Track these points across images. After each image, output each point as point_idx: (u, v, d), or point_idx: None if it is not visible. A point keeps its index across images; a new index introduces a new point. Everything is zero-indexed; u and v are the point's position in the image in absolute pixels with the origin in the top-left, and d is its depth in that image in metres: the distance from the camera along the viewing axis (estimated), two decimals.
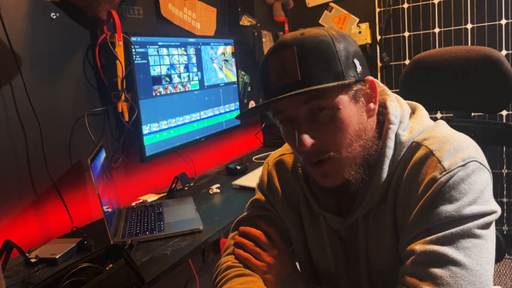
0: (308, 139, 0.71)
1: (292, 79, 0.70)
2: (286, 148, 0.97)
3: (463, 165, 0.68)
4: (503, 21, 2.42)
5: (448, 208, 0.67)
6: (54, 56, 1.44)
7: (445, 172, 0.68)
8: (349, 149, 0.73)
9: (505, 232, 1.17)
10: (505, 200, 1.17)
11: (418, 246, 0.68)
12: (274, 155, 0.98)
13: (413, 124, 0.78)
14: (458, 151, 0.70)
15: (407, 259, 0.70)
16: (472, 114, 1.22)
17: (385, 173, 0.75)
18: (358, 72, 0.73)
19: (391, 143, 0.75)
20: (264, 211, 0.95)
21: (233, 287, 0.84)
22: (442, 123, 0.79)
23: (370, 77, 0.76)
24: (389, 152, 0.75)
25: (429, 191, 0.69)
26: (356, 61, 0.73)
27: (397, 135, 0.76)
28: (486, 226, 0.67)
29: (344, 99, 0.72)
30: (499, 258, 1.15)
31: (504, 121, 2.51)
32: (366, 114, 0.75)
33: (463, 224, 0.66)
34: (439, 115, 2.52)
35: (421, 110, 0.82)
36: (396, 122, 0.76)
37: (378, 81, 0.80)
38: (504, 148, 1.16)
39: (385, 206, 0.76)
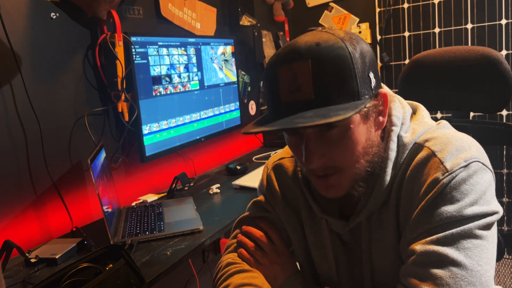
0: (316, 158, 0.69)
1: (305, 96, 0.66)
2: (285, 151, 0.96)
3: (465, 166, 0.68)
4: (503, 21, 2.42)
5: (449, 209, 0.67)
6: (54, 56, 1.44)
7: (447, 173, 0.68)
8: (356, 165, 0.72)
9: (505, 231, 1.17)
10: (505, 200, 1.17)
11: (419, 246, 0.68)
12: (273, 158, 0.97)
13: (415, 125, 0.77)
14: (460, 152, 0.70)
15: (408, 259, 0.70)
16: (472, 114, 1.22)
17: (388, 176, 0.74)
18: (373, 87, 0.70)
19: (393, 146, 0.75)
20: (265, 212, 0.95)
21: (234, 282, 0.84)
22: (444, 124, 0.79)
23: (383, 91, 0.73)
24: (392, 154, 0.74)
25: (431, 192, 0.68)
26: (371, 75, 0.70)
27: (399, 137, 0.75)
28: (487, 226, 0.67)
29: (355, 118, 0.69)
30: (498, 257, 1.15)
31: (504, 121, 2.51)
32: (374, 127, 0.73)
33: (464, 224, 0.66)
34: (439, 115, 2.52)
35: (422, 110, 0.81)
36: (398, 124, 0.76)
37: (387, 89, 0.78)
38: (504, 148, 1.16)
39: (387, 208, 0.76)
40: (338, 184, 0.73)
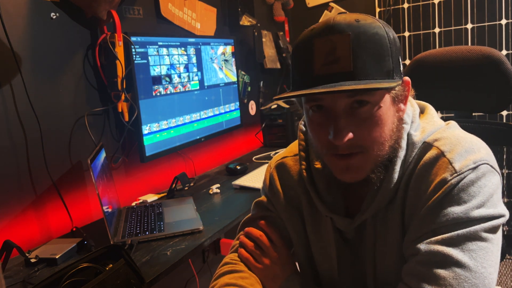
0: (346, 135, 0.67)
1: (342, 68, 0.65)
2: (288, 150, 0.95)
3: (474, 168, 0.68)
4: (503, 21, 2.42)
5: (456, 210, 0.66)
6: (54, 56, 1.44)
7: (456, 174, 0.68)
8: (381, 147, 0.71)
9: (505, 232, 1.17)
10: (505, 200, 1.17)
11: (423, 246, 0.68)
12: (276, 157, 0.97)
13: (424, 124, 0.77)
14: (470, 153, 0.70)
15: (411, 258, 0.70)
16: (473, 114, 1.22)
17: (396, 174, 0.74)
18: (402, 71, 0.71)
19: (403, 143, 0.74)
20: (267, 212, 0.95)
21: (220, 282, 0.85)
22: (453, 124, 0.78)
23: (407, 78, 0.74)
24: (402, 152, 0.74)
25: (438, 192, 0.68)
26: (400, 59, 0.71)
27: (409, 135, 0.75)
28: (493, 229, 0.67)
29: (387, 98, 0.70)
30: (500, 258, 1.15)
31: (504, 121, 2.51)
32: (397, 113, 0.73)
33: (470, 226, 0.66)
34: (439, 115, 2.51)
35: (431, 109, 0.81)
36: (408, 122, 0.76)
37: None
38: (505, 148, 1.16)
39: (393, 206, 0.76)
40: (359, 166, 0.72)
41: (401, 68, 0.72)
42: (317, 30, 0.68)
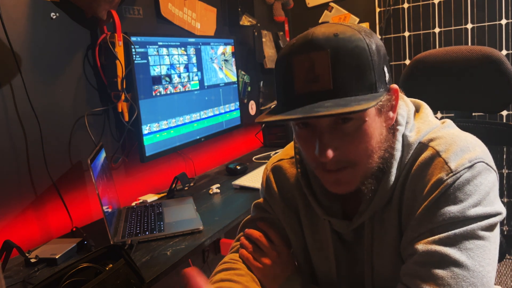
0: (331, 151, 0.67)
1: (322, 87, 0.65)
2: (285, 152, 0.95)
3: (470, 167, 0.68)
4: (503, 21, 2.42)
5: (452, 209, 0.66)
6: (54, 56, 1.44)
7: (451, 174, 0.68)
8: (369, 160, 0.71)
9: (505, 232, 1.17)
10: (505, 200, 1.17)
11: (421, 246, 0.68)
12: (273, 159, 0.96)
13: (419, 124, 0.77)
14: (465, 152, 0.69)
15: (409, 258, 0.70)
16: (473, 114, 1.22)
17: (393, 176, 0.73)
18: (387, 81, 0.70)
19: (398, 145, 0.74)
20: (265, 214, 0.95)
21: (215, 277, 0.86)
22: (449, 123, 0.78)
23: (395, 86, 0.73)
24: (397, 154, 0.74)
25: (434, 192, 0.68)
26: (385, 69, 0.70)
27: (404, 137, 0.75)
28: (490, 227, 0.67)
29: (371, 112, 0.68)
30: (500, 258, 1.15)
31: (504, 121, 2.51)
32: (385, 123, 0.73)
33: (467, 225, 0.66)
34: (439, 115, 2.52)
35: (426, 108, 0.81)
36: (403, 123, 0.75)
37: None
38: (505, 148, 1.16)
39: (390, 207, 0.75)
40: (349, 180, 0.72)
41: (387, 77, 0.70)
42: (297, 46, 0.67)
